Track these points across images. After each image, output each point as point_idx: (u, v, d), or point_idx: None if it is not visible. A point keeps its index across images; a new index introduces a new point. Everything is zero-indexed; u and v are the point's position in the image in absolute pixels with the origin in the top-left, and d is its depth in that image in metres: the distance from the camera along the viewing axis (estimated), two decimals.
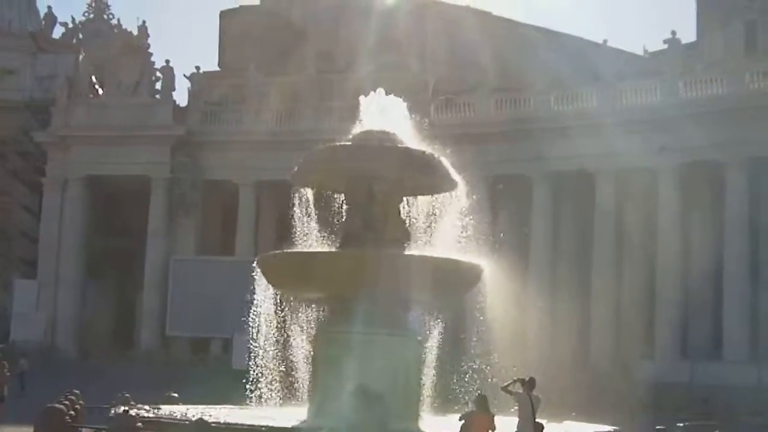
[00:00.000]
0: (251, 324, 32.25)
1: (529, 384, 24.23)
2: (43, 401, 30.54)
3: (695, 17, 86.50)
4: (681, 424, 29.48)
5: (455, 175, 29.93)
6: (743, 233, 60.81)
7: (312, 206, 31.94)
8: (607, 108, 65.35)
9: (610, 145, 63.28)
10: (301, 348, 31.30)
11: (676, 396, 53.20)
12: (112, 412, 30.23)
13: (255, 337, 32.25)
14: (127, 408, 29.27)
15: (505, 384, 24.47)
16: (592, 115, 65.56)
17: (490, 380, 28.93)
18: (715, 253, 62.44)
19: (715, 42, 76.19)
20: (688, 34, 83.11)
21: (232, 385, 35.11)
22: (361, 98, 32.06)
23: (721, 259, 61.47)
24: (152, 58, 77.35)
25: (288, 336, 32.10)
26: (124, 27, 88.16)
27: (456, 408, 29.99)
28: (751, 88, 61.15)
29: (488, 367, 30.43)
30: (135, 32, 79.12)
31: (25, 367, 59.53)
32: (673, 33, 67.00)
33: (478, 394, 24.20)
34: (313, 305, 31.14)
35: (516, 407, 24.14)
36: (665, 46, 68.43)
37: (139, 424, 25.68)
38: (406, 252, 29.39)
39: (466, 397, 29.42)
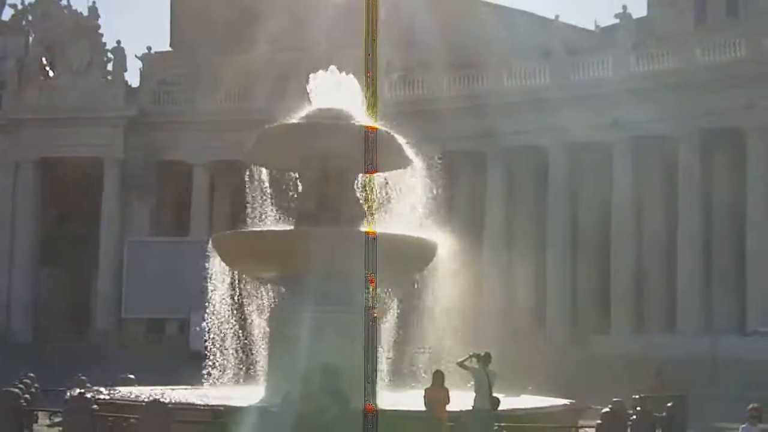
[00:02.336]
0: (207, 304, 32.17)
1: (485, 359, 24.30)
2: None
3: None
4: (636, 396, 29.65)
5: (409, 152, 29.94)
6: (696, 205, 61.27)
7: (266, 185, 31.89)
8: (560, 83, 65.59)
9: (563, 120, 63.58)
10: (257, 327, 31.28)
11: (632, 368, 53.51)
12: (68, 394, 30.12)
13: (211, 318, 32.19)
14: (82, 390, 29.15)
15: (461, 359, 24.55)
16: (544, 91, 65.80)
17: (445, 356, 28.98)
18: (669, 226, 62.89)
19: (665, 16, 76.53)
20: (638, 9, 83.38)
21: (189, 365, 35.05)
22: (313, 76, 31.98)
23: (675, 232, 61.93)
24: (103, 39, 76.73)
25: (244, 315, 32.06)
26: (74, 8, 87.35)
27: (413, 384, 30.10)
28: (702, 61, 61.51)
29: (444, 344, 30.49)
30: (85, 13, 78.49)
31: None
32: (624, 8, 67.32)
33: (435, 370, 24.26)
34: (268, 284, 31.11)
35: (472, 382, 24.22)
36: (616, 21, 68.69)
37: (95, 406, 25.60)
38: (361, 229, 29.39)
39: (424, 374, 29.55)
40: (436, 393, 23.55)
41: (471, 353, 24.54)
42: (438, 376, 23.81)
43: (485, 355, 24.37)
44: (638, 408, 28.20)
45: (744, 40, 60.48)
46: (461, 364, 24.44)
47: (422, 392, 24.30)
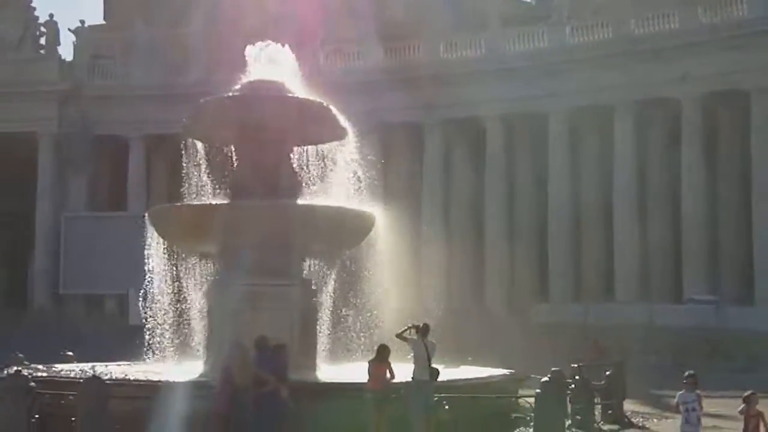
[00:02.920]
0: (145, 279, 32.01)
1: (423, 330, 24.34)
2: None
3: None
4: (575, 365, 29.86)
5: (345, 124, 29.90)
6: (631, 175, 61.81)
7: (202, 159, 31.75)
8: (495, 54, 65.78)
9: (499, 91, 63.82)
10: (195, 302, 31.17)
11: (571, 338, 53.94)
12: (4, 372, 29.84)
13: (149, 293, 32.03)
14: (19, 368, 28.89)
15: (400, 331, 24.58)
16: (480, 62, 65.99)
17: (383, 329, 29.05)
18: (605, 195, 63.39)
19: None
20: None
21: (129, 341, 34.84)
22: (249, 48, 31.83)
23: (611, 200, 62.43)
24: (35, 13, 75.83)
25: (182, 290, 31.93)
26: None
27: (353, 357, 30.14)
28: (637, 32, 61.95)
29: (382, 315, 30.55)
30: None
31: None
32: None
33: (379, 345, 24.25)
34: (205, 258, 31.02)
35: (411, 354, 24.27)
36: None
37: (33, 383, 25.38)
38: (297, 202, 29.36)
39: (362, 347, 29.60)
40: (380, 367, 23.57)
41: (409, 324, 24.58)
42: (382, 351, 23.82)
43: (423, 326, 24.41)
44: (577, 377, 28.40)
45: (678, 11, 60.88)
46: (400, 336, 24.47)
47: (363, 365, 24.33)
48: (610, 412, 29.85)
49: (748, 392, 19.67)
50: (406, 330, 24.45)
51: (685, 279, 59.59)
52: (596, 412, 28.91)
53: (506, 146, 66.45)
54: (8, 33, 74.16)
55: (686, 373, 20.47)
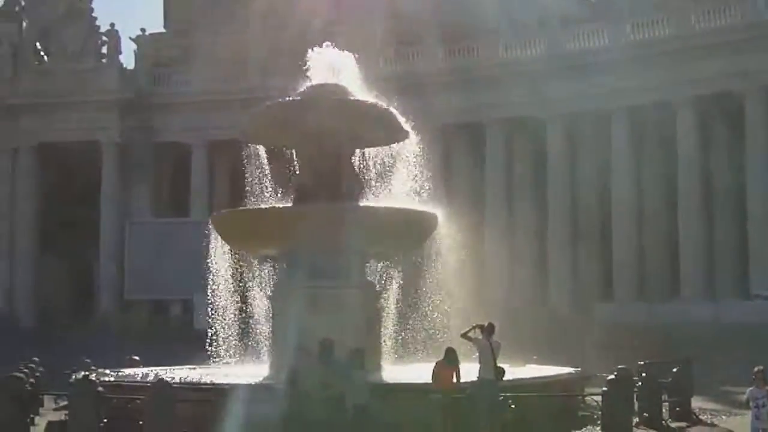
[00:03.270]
0: (210, 284, 32.21)
1: (488, 329, 24.28)
2: (3, 371, 30.41)
3: None
4: (641, 363, 29.66)
5: (406, 126, 29.94)
6: (695, 172, 61.19)
7: (264, 163, 31.91)
8: (555, 53, 65.46)
9: (561, 89, 63.53)
10: (260, 305, 31.32)
11: (636, 336, 53.58)
12: (73, 378, 30.13)
13: (214, 297, 32.23)
14: (87, 373, 29.17)
15: (465, 331, 24.53)
16: (540, 61, 65.67)
17: (448, 329, 29.04)
18: (669, 193, 62.83)
19: None
20: None
21: (194, 345, 35.09)
22: (310, 52, 31.94)
23: (675, 199, 61.86)
24: (97, 23, 76.46)
25: (246, 294, 32.11)
26: None
27: (419, 358, 30.16)
28: (697, 28, 61.36)
29: (447, 316, 30.54)
30: None
31: None
32: None
33: (447, 348, 24.21)
34: (269, 262, 31.15)
35: (477, 354, 24.22)
36: None
37: (100, 388, 25.61)
38: (360, 204, 29.41)
39: (427, 348, 29.61)
40: (447, 369, 23.56)
41: (474, 324, 24.54)
42: (449, 354, 23.79)
43: (488, 325, 24.35)
44: (644, 374, 28.24)
45: (739, 5, 60.28)
46: (465, 336, 24.43)
47: (427, 366, 24.34)
48: (677, 409, 29.66)
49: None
50: (470, 330, 24.42)
51: (751, 275, 58.91)
52: (664, 410, 28.73)
53: (568, 145, 66.05)
54: (70, 42, 74.80)
55: (755, 369, 20.32)
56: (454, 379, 23.59)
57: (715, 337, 51.34)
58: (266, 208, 30.32)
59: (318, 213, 28.20)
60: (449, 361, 23.61)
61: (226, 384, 25.98)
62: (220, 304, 32.25)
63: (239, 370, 30.05)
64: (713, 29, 60.55)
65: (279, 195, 31.11)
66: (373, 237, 27.95)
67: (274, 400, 22.68)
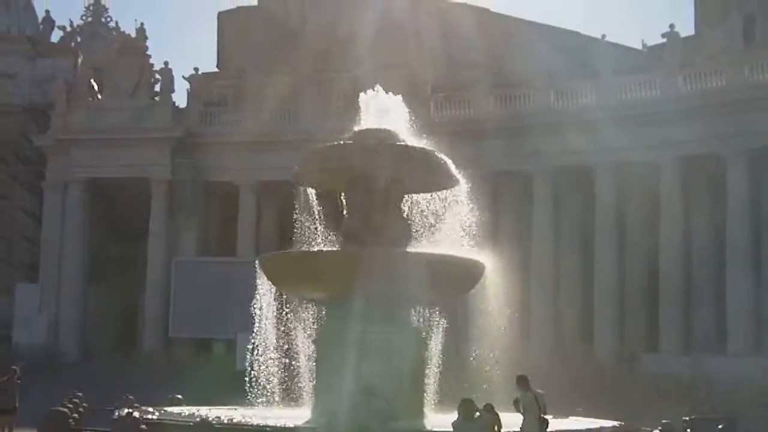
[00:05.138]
0: (254, 324, 32.24)
1: (522, 382, 24.13)
2: (47, 405, 30.55)
3: (693, 10, 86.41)
4: (686, 418, 29.41)
5: (455, 172, 29.92)
6: (745, 225, 60.73)
7: (313, 205, 31.95)
8: (606, 103, 65.32)
9: (609, 139, 63.31)
10: (303, 347, 31.29)
11: (681, 389, 53.19)
12: (116, 414, 30.22)
13: (258, 338, 32.25)
14: (130, 410, 29.25)
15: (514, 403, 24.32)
16: (590, 110, 65.50)
17: (491, 380, 28.93)
18: (718, 245, 62.40)
19: (713, 35, 76.10)
20: (686, 28, 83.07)
21: (236, 385, 35.10)
22: (361, 96, 32.05)
23: (724, 251, 61.41)
24: (151, 60, 77.13)
25: (291, 336, 32.10)
26: (122, 29, 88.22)
27: None
28: (751, 80, 61.09)
29: (492, 364, 30.42)
30: (133, 34, 79.11)
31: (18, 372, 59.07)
32: (672, 26, 66.90)
33: (485, 404, 24.07)
34: (315, 304, 31.15)
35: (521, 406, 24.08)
36: (664, 40, 68.34)
37: (143, 426, 25.67)
38: (407, 250, 29.38)
39: (473, 395, 29.45)
40: (489, 420, 23.40)
41: (514, 400, 24.36)
42: (488, 409, 23.61)
43: (522, 378, 24.20)
44: (689, 430, 27.99)
45: None
46: (516, 407, 24.29)
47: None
48: None
49: None
50: (515, 404, 24.21)
51: None
52: None
53: (617, 194, 65.76)
54: (125, 80, 75.46)
55: None
56: (495, 428, 23.41)
57: (762, 394, 50.82)
58: (313, 251, 30.36)
59: (366, 257, 28.16)
60: (466, 414, 23.16)
61: (268, 426, 25.96)
62: (263, 345, 32.25)
63: (280, 413, 30.02)
64: (766, 82, 60.25)
65: (327, 238, 31.14)
66: (420, 283, 27.86)
67: None
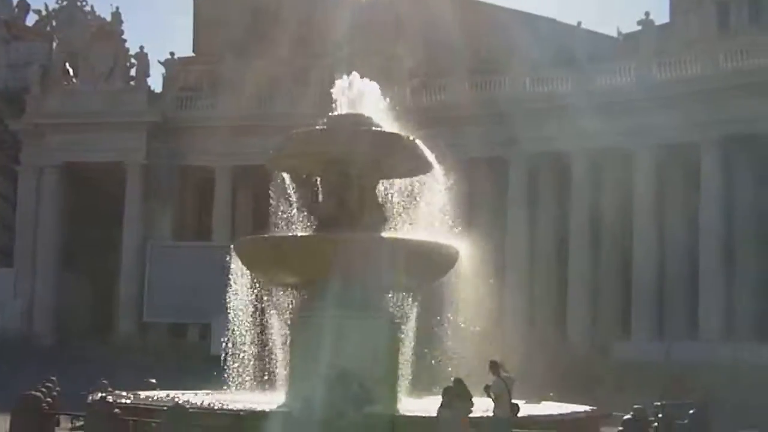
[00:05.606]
0: (229, 309, 32.26)
1: (497, 366, 24.24)
2: (21, 389, 30.52)
3: None
4: (658, 403, 29.59)
5: (431, 158, 29.97)
6: (718, 213, 60.98)
7: (288, 190, 31.99)
8: (582, 90, 65.44)
9: (585, 127, 63.44)
10: (278, 332, 31.35)
11: (653, 375, 53.44)
12: (90, 398, 30.23)
13: (232, 322, 32.28)
14: (104, 394, 29.27)
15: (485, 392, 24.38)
16: (566, 97, 65.63)
17: (466, 362, 29.02)
18: (691, 232, 62.67)
19: (688, 23, 76.35)
20: (661, 16, 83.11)
21: (211, 370, 35.14)
22: (337, 82, 32.09)
23: (697, 238, 61.68)
24: (126, 45, 76.93)
25: (265, 320, 32.14)
26: (97, 13, 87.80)
27: (435, 391, 30.09)
28: (725, 68, 61.28)
29: (464, 349, 30.51)
30: (109, 18, 78.81)
31: None
32: (647, 14, 67.18)
33: (455, 378, 24.16)
34: (289, 289, 31.19)
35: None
36: (639, 28, 68.51)
37: (117, 410, 25.70)
38: (382, 235, 29.45)
39: (445, 381, 29.56)
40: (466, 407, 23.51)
41: (485, 387, 24.44)
42: (458, 386, 23.73)
43: (494, 363, 24.32)
44: (660, 415, 28.15)
45: (766, 45, 60.21)
46: (487, 392, 24.35)
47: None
48: None
49: None
50: (485, 390, 24.26)
51: None
52: None
53: (592, 181, 65.95)
54: (99, 64, 75.22)
55: None
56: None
57: (733, 379, 51.13)
58: (289, 236, 30.40)
59: (340, 242, 28.22)
60: (457, 394, 23.33)
61: (242, 410, 26.03)
62: (238, 330, 32.28)
63: (254, 397, 30.08)
64: (741, 69, 60.41)
65: (302, 223, 31.18)
66: (398, 268, 27.91)
67: (289, 427, 22.69)
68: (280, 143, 31.59)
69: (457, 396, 23.20)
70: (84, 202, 76.02)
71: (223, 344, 33.47)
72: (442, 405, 22.66)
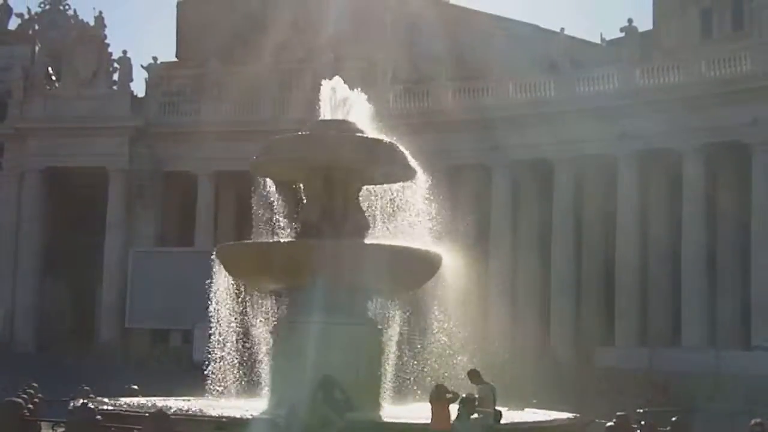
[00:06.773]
0: (211, 315, 32.17)
1: (474, 375, 24.21)
2: (2, 395, 30.35)
3: (651, 5, 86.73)
4: (641, 410, 29.60)
5: (414, 164, 29.95)
6: (700, 219, 61.09)
7: (271, 196, 31.95)
8: (565, 96, 65.53)
9: (568, 133, 63.53)
10: (261, 339, 31.28)
11: (636, 382, 53.49)
12: (71, 405, 30.07)
13: (215, 329, 32.18)
14: (86, 401, 29.13)
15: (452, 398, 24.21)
16: (550, 104, 65.74)
17: (449, 368, 29.00)
18: (673, 239, 62.78)
19: (671, 30, 76.56)
20: (644, 22, 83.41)
21: (193, 376, 35.03)
22: (321, 87, 32.06)
23: (680, 245, 61.77)
24: (109, 49, 76.75)
25: (248, 327, 32.06)
26: (80, 17, 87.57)
27: (417, 397, 30.05)
28: (708, 75, 61.42)
29: (447, 356, 30.49)
30: (92, 23, 78.68)
31: None
32: (630, 21, 67.20)
33: (436, 385, 24.14)
34: (272, 295, 31.13)
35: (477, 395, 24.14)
36: (622, 35, 68.62)
37: (99, 416, 25.57)
38: (365, 241, 29.42)
39: (428, 387, 29.54)
40: (444, 408, 23.45)
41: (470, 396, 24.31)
42: (440, 390, 23.69)
43: (473, 371, 24.29)
44: (642, 422, 28.14)
45: (749, 54, 60.40)
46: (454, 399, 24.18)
47: (426, 406, 24.26)
48: None
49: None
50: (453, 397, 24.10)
51: (753, 324, 58.76)
52: None
53: (575, 187, 66.01)
54: (82, 68, 75.11)
55: (753, 422, 20.28)
56: (451, 419, 23.44)
57: (716, 387, 51.24)
58: (271, 242, 30.35)
59: (323, 248, 28.19)
60: (440, 397, 23.40)
61: (224, 416, 25.95)
62: (221, 336, 32.18)
63: (237, 404, 29.98)
64: (723, 77, 60.54)
65: (285, 229, 31.12)
66: (377, 274, 27.89)
67: None
68: (263, 149, 31.52)
69: (473, 405, 23.16)
70: (66, 208, 75.83)
71: (206, 351, 33.36)
72: (458, 417, 22.67)
